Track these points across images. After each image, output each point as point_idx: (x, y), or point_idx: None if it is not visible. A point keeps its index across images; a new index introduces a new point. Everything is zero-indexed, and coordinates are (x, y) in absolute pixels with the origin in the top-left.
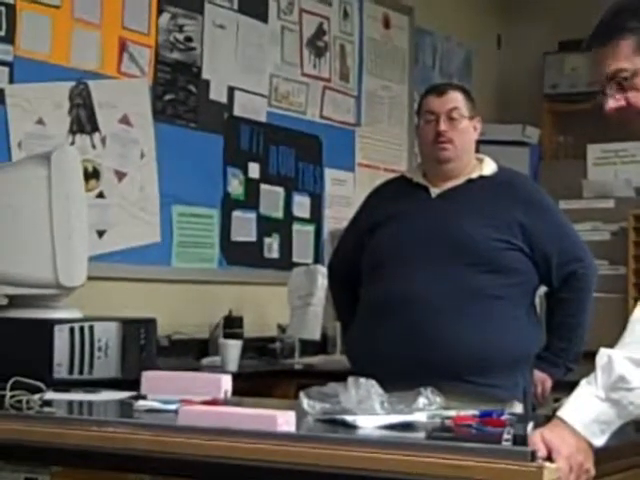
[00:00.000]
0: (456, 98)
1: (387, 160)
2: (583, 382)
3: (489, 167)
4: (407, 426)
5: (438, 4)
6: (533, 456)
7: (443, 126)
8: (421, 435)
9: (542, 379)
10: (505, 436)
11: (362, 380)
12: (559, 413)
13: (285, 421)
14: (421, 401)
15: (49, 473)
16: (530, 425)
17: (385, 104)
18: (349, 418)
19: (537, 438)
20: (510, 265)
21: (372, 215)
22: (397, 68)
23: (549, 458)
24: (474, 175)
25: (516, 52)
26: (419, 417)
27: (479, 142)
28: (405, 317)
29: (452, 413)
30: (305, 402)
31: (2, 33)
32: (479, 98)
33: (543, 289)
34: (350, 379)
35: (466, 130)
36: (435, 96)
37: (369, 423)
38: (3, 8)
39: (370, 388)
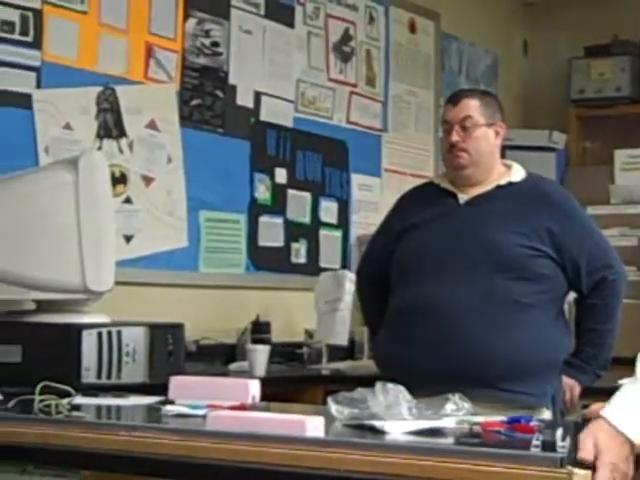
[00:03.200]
0: (470, 106)
1: (414, 165)
2: (627, 385)
3: (517, 173)
4: (435, 432)
5: (464, 9)
6: (562, 462)
7: (455, 136)
8: (449, 441)
9: (571, 385)
10: (534, 442)
11: (390, 385)
12: (604, 413)
13: (314, 426)
14: (449, 407)
15: (78, 477)
16: (559, 431)
17: (411, 109)
18: (377, 423)
19: (589, 442)
20: (539, 272)
21: (401, 221)
22: (423, 73)
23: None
24: (502, 181)
25: (542, 57)
26: (447, 423)
27: (505, 147)
28: (433, 323)
29: (480, 419)
30: (333, 407)
31: (29, 38)
32: (505, 104)
33: (572, 295)
34: (378, 384)
35: (482, 137)
36: (450, 105)
37: (397, 429)
38: (30, 14)
39: (398, 393)
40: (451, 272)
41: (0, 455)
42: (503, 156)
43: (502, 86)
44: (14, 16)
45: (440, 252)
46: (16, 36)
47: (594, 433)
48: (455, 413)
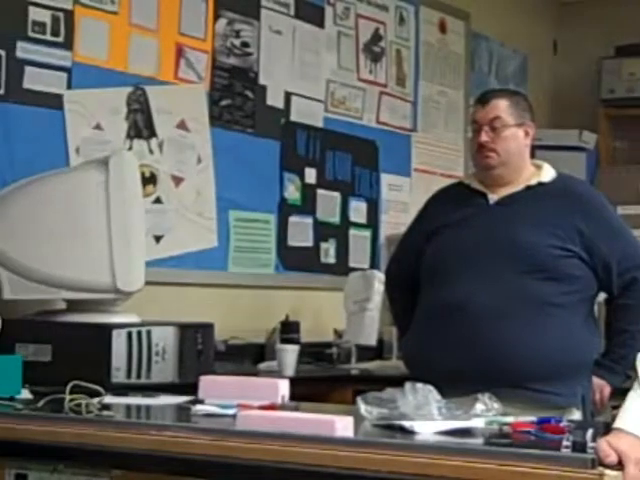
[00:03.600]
0: (499, 107)
1: (443, 165)
2: (631, 393)
3: (548, 173)
4: (465, 432)
5: (494, 9)
6: (593, 463)
7: (484, 137)
8: (479, 441)
9: (601, 386)
10: (564, 443)
11: (419, 385)
12: (617, 425)
13: (343, 426)
14: (479, 407)
15: (109, 476)
16: (589, 432)
17: (441, 109)
18: (407, 424)
19: (605, 445)
20: (569, 272)
21: (431, 221)
22: (453, 73)
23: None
24: (533, 181)
25: (572, 57)
26: (477, 423)
27: (534, 147)
28: (462, 323)
29: (510, 419)
30: (362, 407)
31: (60, 39)
32: (535, 103)
33: (602, 296)
34: (407, 384)
35: (511, 138)
36: (479, 106)
37: (427, 429)
38: (61, 14)
39: (428, 394)
40: (480, 272)
41: (31, 454)
42: (533, 156)
43: (532, 86)
44: (45, 17)
45: (469, 252)
46: (47, 37)
47: (612, 441)
48: (485, 413)
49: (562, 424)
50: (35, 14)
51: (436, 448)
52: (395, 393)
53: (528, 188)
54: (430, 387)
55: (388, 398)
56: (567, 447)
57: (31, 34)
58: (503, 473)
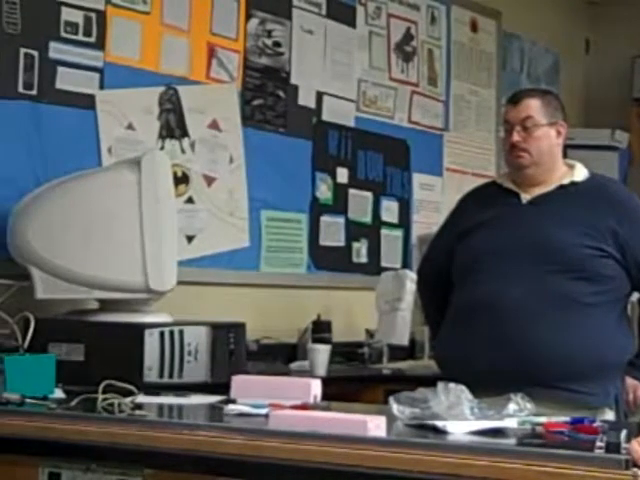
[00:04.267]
0: (530, 106)
1: (475, 165)
2: None
3: (580, 173)
4: (497, 432)
5: (526, 8)
6: (627, 464)
7: (516, 137)
8: (512, 441)
9: (634, 386)
10: (598, 443)
11: (452, 385)
12: None
13: (376, 426)
14: (511, 407)
15: (141, 476)
16: (623, 433)
17: (473, 109)
18: (439, 423)
19: (638, 446)
20: (601, 272)
21: (463, 220)
22: (485, 72)
23: None
24: (565, 181)
25: (604, 56)
26: (509, 423)
27: (567, 147)
28: (494, 323)
29: (543, 420)
30: (395, 407)
31: (93, 39)
32: (567, 103)
33: (636, 296)
34: (440, 384)
35: (543, 137)
36: (511, 106)
37: (459, 429)
38: (94, 15)
39: (460, 393)
40: (513, 271)
41: (64, 453)
42: (565, 155)
43: (564, 85)
44: (78, 17)
45: (502, 251)
46: (80, 37)
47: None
48: (517, 413)
49: (595, 424)
50: (67, 14)
51: (468, 448)
52: (427, 393)
53: (561, 187)
54: (462, 387)
55: (420, 398)
56: (600, 448)
57: (63, 34)
58: (536, 474)
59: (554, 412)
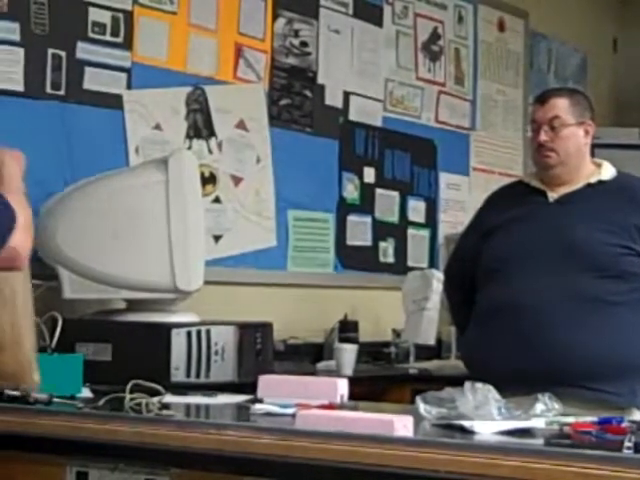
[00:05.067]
0: (558, 106)
1: (502, 164)
2: None
3: (608, 172)
4: (525, 432)
5: (553, 8)
6: None
7: (544, 136)
8: (539, 442)
9: None
10: (626, 444)
11: (479, 385)
12: None
13: (403, 425)
14: (539, 407)
15: (169, 475)
16: None
17: (500, 108)
18: (466, 423)
19: None
20: (628, 270)
21: (490, 219)
22: (512, 72)
23: None
24: (593, 180)
25: (632, 55)
26: (537, 423)
27: (594, 146)
28: (521, 322)
29: (571, 420)
30: (422, 407)
31: (120, 39)
32: (595, 101)
33: None
34: (467, 384)
35: (570, 136)
36: (538, 105)
37: (486, 429)
38: (121, 15)
39: (487, 393)
40: (540, 271)
41: (92, 452)
42: (593, 155)
43: (591, 84)
44: (105, 18)
45: (529, 250)
46: (107, 37)
47: None
48: (545, 414)
49: (623, 424)
50: (95, 15)
51: (496, 448)
52: (454, 393)
53: (588, 186)
54: (490, 387)
55: (447, 398)
56: (629, 448)
57: (91, 35)
58: (563, 474)
59: (581, 412)
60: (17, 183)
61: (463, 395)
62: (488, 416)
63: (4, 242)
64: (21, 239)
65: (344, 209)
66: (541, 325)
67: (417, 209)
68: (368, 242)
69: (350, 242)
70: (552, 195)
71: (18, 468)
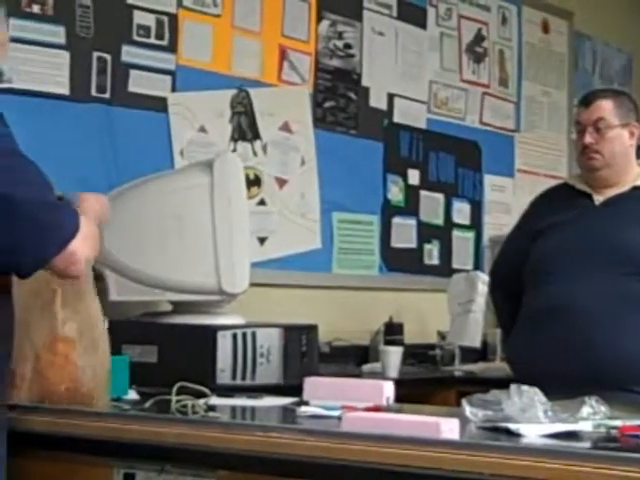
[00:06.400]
0: (603, 108)
1: (547, 166)
2: None
3: None
4: (572, 435)
5: (598, 8)
6: None
7: (588, 138)
8: (586, 445)
9: None
10: None
11: (525, 388)
12: None
13: (449, 428)
14: (585, 410)
15: (215, 477)
16: None
17: (544, 110)
18: (512, 426)
19: None
20: None
21: (536, 222)
22: (556, 73)
23: None
24: (639, 182)
25: None
26: (584, 426)
27: None
28: (567, 325)
29: (618, 423)
30: (467, 409)
31: (165, 42)
32: None
33: None
34: (513, 387)
35: (616, 138)
36: (583, 107)
37: (533, 431)
38: (166, 18)
39: (533, 396)
40: (585, 273)
41: (139, 454)
42: (638, 156)
43: (637, 85)
44: (150, 21)
45: (575, 253)
46: (152, 40)
47: None
48: (592, 417)
49: None
50: (140, 18)
51: (543, 451)
52: (500, 395)
53: (634, 189)
54: (536, 389)
55: (493, 400)
56: None
57: (136, 38)
58: (611, 477)
59: (629, 415)
60: (93, 213)
61: (509, 398)
62: (534, 419)
63: (65, 244)
64: (81, 246)
65: (389, 211)
66: (587, 328)
67: (462, 211)
68: (413, 244)
69: (395, 244)
70: (598, 198)
71: (66, 469)
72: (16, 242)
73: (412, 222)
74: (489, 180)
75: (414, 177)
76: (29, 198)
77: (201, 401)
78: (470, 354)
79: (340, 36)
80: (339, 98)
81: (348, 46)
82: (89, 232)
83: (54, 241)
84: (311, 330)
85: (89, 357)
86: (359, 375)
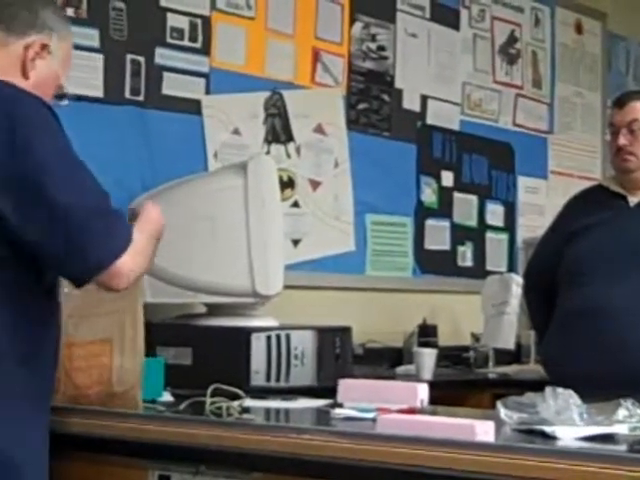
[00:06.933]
0: (637, 109)
1: (580, 167)
2: None
3: None
4: (607, 438)
5: (632, 9)
6: None
7: (622, 140)
8: (622, 448)
9: None
10: None
11: (560, 390)
12: None
13: (484, 431)
14: (621, 413)
15: (249, 478)
16: None
17: (578, 111)
18: (548, 429)
19: None
20: None
21: (570, 224)
22: (590, 74)
23: None
24: None
25: None
26: (619, 429)
27: None
28: (601, 326)
29: None
30: (502, 412)
31: (198, 45)
32: None
33: None
34: (548, 389)
35: None
36: (617, 108)
37: (568, 434)
38: (199, 20)
39: (568, 398)
40: (620, 274)
41: (174, 456)
42: None
43: None
44: (183, 23)
45: (610, 255)
46: (185, 43)
47: None
48: (627, 419)
49: None
50: (173, 21)
51: (578, 454)
52: (535, 398)
53: None
54: (571, 392)
55: (528, 403)
56: None
57: (169, 40)
58: None
59: None
60: (151, 225)
61: (544, 400)
62: (569, 421)
63: (112, 259)
64: (128, 261)
65: (422, 213)
66: (622, 329)
67: (495, 213)
68: (446, 246)
69: (428, 246)
70: (632, 199)
71: (101, 471)
72: (67, 251)
73: (446, 224)
74: (522, 182)
75: (447, 179)
76: (84, 206)
77: (235, 403)
78: (504, 356)
79: (373, 38)
80: (372, 100)
81: (381, 48)
82: (141, 248)
83: (103, 253)
84: (345, 332)
85: (123, 358)
86: (393, 377)
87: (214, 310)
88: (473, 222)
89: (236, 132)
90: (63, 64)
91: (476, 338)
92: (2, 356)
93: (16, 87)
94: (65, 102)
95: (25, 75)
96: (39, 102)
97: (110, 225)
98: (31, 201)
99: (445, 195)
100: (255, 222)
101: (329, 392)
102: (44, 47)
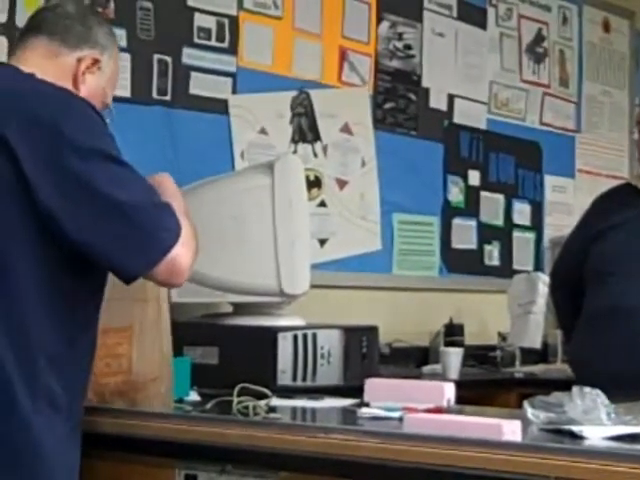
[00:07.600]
0: None
1: (608, 166)
2: None
3: None
4: (635, 438)
5: None
6: None
7: None
8: None
9: None
10: None
11: (587, 389)
12: None
13: (511, 430)
14: None
15: (276, 478)
16: None
17: (605, 110)
18: (575, 428)
19: None
20: None
21: (598, 223)
22: (617, 73)
23: None
24: None
25: None
26: None
27: None
28: (629, 326)
29: None
30: (529, 411)
31: (225, 44)
32: None
33: None
34: (575, 388)
35: None
36: None
37: (596, 434)
38: (226, 20)
39: (596, 398)
40: None
41: (201, 455)
42: None
43: None
44: (210, 23)
45: (637, 253)
46: (212, 42)
47: None
48: None
49: None
50: (200, 20)
51: (607, 454)
52: (562, 397)
53: None
54: (598, 391)
55: (555, 402)
56: None
57: (196, 40)
58: None
59: None
60: (179, 202)
61: (571, 400)
62: (597, 421)
63: (167, 252)
64: (182, 253)
65: (449, 212)
66: None
67: (522, 212)
68: (473, 245)
69: (455, 245)
70: None
71: (128, 470)
72: (121, 245)
73: (472, 223)
74: (549, 181)
75: (474, 178)
76: (136, 200)
77: (262, 402)
78: (531, 355)
79: (400, 37)
80: (399, 99)
81: (408, 47)
82: (187, 235)
83: (159, 246)
84: (372, 331)
85: (144, 347)
86: (419, 376)
87: (240, 309)
88: (500, 221)
89: (263, 132)
90: (110, 82)
91: (503, 337)
92: (39, 354)
93: (68, 90)
94: (107, 120)
95: (76, 87)
96: (87, 104)
97: (161, 215)
98: (83, 200)
99: (472, 194)
100: (282, 222)
101: (355, 391)
102: (95, 62)
